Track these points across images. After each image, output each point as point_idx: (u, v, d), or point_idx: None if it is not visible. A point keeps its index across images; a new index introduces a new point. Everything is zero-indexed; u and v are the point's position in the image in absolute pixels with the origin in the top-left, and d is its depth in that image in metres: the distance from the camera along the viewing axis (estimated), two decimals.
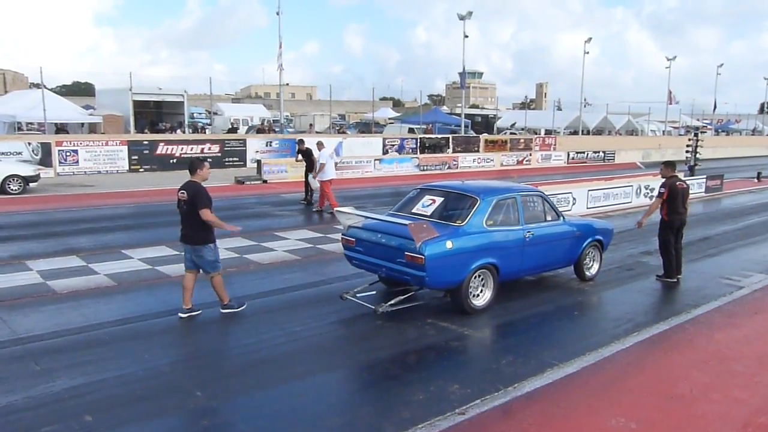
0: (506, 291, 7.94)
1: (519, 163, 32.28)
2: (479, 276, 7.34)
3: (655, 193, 9.59)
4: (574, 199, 15.28)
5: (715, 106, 57.96)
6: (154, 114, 31.01)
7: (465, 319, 7.14)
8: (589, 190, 16.17)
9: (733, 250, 11.79)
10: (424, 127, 37.84)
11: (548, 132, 42.77)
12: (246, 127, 36.43)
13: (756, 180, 25.09)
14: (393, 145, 29.97)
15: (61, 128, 25.49)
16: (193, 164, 7.12)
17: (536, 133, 41.30)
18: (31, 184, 17.20)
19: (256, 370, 5.78)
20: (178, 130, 28.51)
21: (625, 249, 11.32)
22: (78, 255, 9.93)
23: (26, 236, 11.65)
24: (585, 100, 46.78)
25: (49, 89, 27.02)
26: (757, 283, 9.15)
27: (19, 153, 19.97)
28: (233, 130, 33.59)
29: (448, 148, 31.89)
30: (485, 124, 48.02)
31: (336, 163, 15.60)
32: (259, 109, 45.10)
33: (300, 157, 16.80)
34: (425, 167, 27.65)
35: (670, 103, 49.74)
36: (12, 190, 16.68)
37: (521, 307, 7.84)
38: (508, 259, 7.55)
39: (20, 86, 45.16)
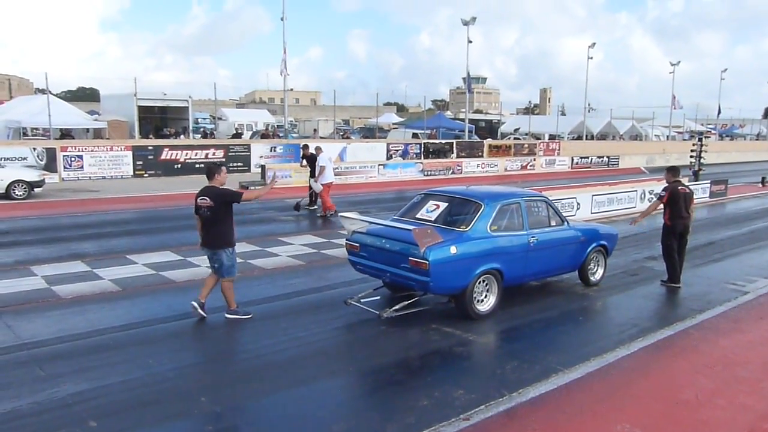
0: (510, 296, 7.93)
1: (523, 168, 32.26)
2: (483, 281, 7.33)
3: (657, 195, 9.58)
4: (578, 204, 15.26)
5: (719, 111, 57.84)
6: (158, 119, 31.14)
7: (469, 324, 7.13)
8: (593, 195, 16.14)
9: (737, 255, 11.75)
10: (428, 132, 37.89)
11: (552, 137, 42.72)
12: (250, 133, 36.52)
13: (760, 185, 25.00)
14: (397, 150, 30.01)
15: (65, 134, 25.61)
16: (210, 170, 7.15)
17: (538, 138, 41.24)
18: (36, 190, 17.28)
19: (260, 376, 5.78)
20: (182, 136, 28.60)
21: (630, 254, 11.29)
22: (83, 260, 9.96)
23: (31, 241, 11.69)
24: (589, 105, 46.89)
25: (54, 95, 27.17)
26: (762, 288, 9.11)
27: (24, 158, 20.09)
28: (237, 135, 33.68)
29: (452, 153, 31.91)
30: (489, 129, 48.05)
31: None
32: (263, 114, 45.17)
33: (304, 162, 16.85)
34: (429, 172, 27.66)
35: (675, 108, 49.68)
36: (17, 195, 16.75)
37: (526, 312, 7.83)
38: (512, 264, 7.54)
39: (25, 92, 45.35)
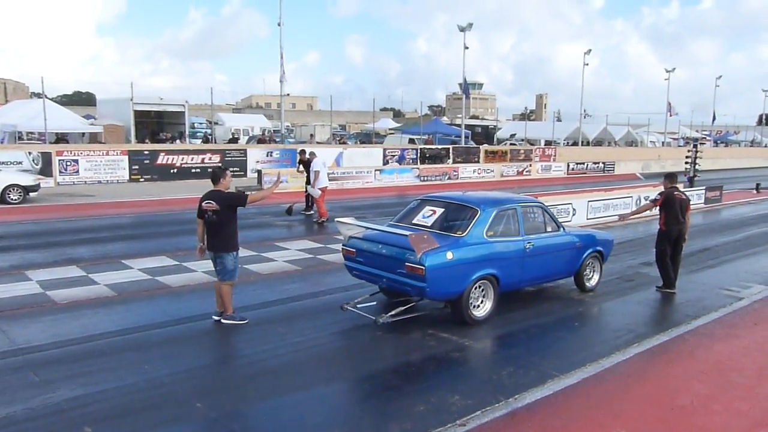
0: (506, 302, 7.94)
1: (519, 173, 32.33)
2: (480, 287, 7.34)
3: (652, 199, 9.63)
4: (574, 209, 15.30)
5: (714, 118, 58.18)
6: (155, 124, 31.09)
7: (465, 329, 7.13)
8: (589, 201, 16.19)
9: (732, 261, 11.80)
10: (425, 137, 37.94)
11: (548, 143, 42.86)
12: (247, 137, 36.52)
13: (755, 191, 25.12)
14: (393, 156, 30.04)
15: (60, 138, 25.53)
16: (215, 174, 7.19)
17: (533, 144, 41.36)
18: (31, 194, 17.21)
19: (256, 381, 5.77)
20: (179, 140, 28.58)
21: (625, 260, 11.32)
22: (78, 265, 9.93)
23: (26, 246, 11.66)
24: (585, 111, 46.96)
25: (50, 99, 27.10)
26: (756, 294, 9.15)
27: (20, 162, 20.02)
28: (234, 140, 33.68)
29: (449, 158, 31.96)
30: (485, 134, 48.12)
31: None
32: (259, 119, 45.19)
33: (301, 167, 16.86)
34: (425, 178, 27.69)
35: (670, 115, 49.91)
36: (12, 199, 16.69)
37: (521, 317, 7.84)
38: (508, 269, 7.55)
39: (21, 96, 45.28)
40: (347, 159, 27.83)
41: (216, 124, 37.03)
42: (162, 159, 23.17)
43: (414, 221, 7.76)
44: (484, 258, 7.27)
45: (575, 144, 44.76)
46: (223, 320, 7.18)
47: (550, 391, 5.50)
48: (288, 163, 25.20)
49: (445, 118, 62.97)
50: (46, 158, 20.63)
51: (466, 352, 6.64)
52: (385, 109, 78.06)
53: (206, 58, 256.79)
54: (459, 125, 39.98)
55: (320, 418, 5.07)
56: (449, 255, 6.91)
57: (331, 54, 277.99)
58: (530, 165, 33.78)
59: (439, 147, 33.61)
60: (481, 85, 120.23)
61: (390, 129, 48.35)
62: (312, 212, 16.13)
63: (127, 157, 22.35)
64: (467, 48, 34.43)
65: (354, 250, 7.67)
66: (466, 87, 36.61)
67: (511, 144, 41.26)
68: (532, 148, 37.28)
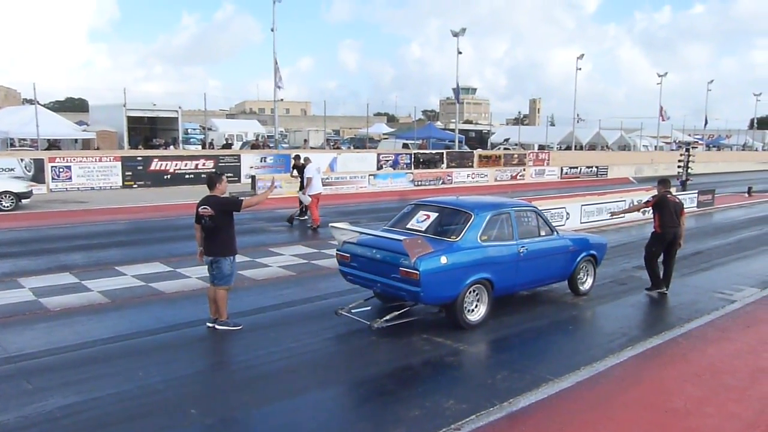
0: (500, 306, 7.95)
1: (513, 178, 32.43)
2: (474, 291, 7.35)
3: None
4: (567, 213, 15.36)
5: (706, 122, 58.51)
6: (148, 130, 31.03)
7: (460, 334, 7.14)
8: (582, 205, 16.25)
9: (725, 265, 11.86)
10: (419, 142, 38.03)
11: (541, 147, 43.02)
12: (240, 143, 36.49)
13: (747, 195, 25.28)
14: (387, 161, 30.08)
15: (53, 144, 25.43)
16: (211, 179, 7.20)
17: (526, 149, 41.48)
18: (23, 201, 17.10)
19: (251, 387, 5.76)
20: (172, 146, 28.52)
21: (619, 263, 11.36)
22: (71, 272, 9.89)
23: (18, 253, 11.60)
24: (578, 115, 47.17)
25: (42, 105, 26.99)
26: (749, 297, 9.20)
27: (12, 169, 19.91)
28: (227, 145, 33.65)
29: (443, 163, 32.02)
30: (479, 139, 48.30)
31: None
32: (253, 124, 45.21)
33: (295, 172, 16.85)
34: (419, 182, 27.73)
35: (663, 119, 50.16)
36: (4, 206, 16.59)
37: (516, 321, 7.85)
38: (502, 274, 7.57)
39: (13, 102, 44.99)
40: (341, 164, 27.85)
41: (209, 129, 37.02)
42: (155, 165, 23.12)
43: (408, 226, 7.77)
44: (479, 262, 7.29)
45: (568, 148, 44.93)
46: (217, 326, 7.16)
47: (545, 395, 5.51)
48: (282, 169, 25.18)
49: (438, 123, 63.09)
50: (39, 165, 20.54)
51: (461, 356, 6.65)
52: (379, 114, 78.13)
53: (199, 63, 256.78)
54: (453, 130, 40.13)
55: (315, 423, 5.07)
56: (443, 259, 6.93)
57: (324, 59, 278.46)
58: (524, 169, 33.90)
59: (433, 152, 33.68)
60: (474, 90, 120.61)
61: (384, 134, 48.39)
62: (305, 218, 16.13)
63: (120, 163, 22.28)
64: (461, 53, 34.55)
65: (348, 255, 7.67)
66: (458, 92, 36.68)
67: (504, 148, 41.39)
68: (526, 153, 37.38)
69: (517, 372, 6.13)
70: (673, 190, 9.85)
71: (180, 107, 29.51)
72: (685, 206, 9.68)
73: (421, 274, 6.68)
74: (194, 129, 40.62)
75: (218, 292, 7.11)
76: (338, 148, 36.24)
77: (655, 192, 9.64)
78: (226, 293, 7.18)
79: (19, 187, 17.31)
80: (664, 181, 9.58)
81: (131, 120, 27.20)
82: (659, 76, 48.89)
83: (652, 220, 9.38)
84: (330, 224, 8.25)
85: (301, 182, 16.05)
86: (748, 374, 6.19)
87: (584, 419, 5.12)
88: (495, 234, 7.63)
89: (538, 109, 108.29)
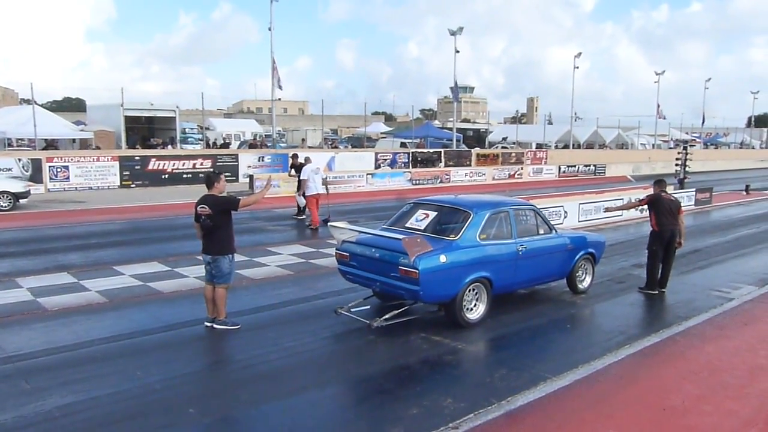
0: (499, 304, 7.96)
1: (511, 176, 32.46)
2: (473, 290, 7.36)
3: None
4: (565, 212, 15.37)
5: (703, 120, 58.61)
6: (145, 129, 30.99)
7: (458, 333, 7.15)
8: (580, 204, 16.27)
9: (722, 263, 11.88)
10: (416, 141, 38.01)
11: (539, 146, 43.04)
12: (238, 142, 36.46)
13: (744, 192, 25.32)
14: (385, 160, 30.08)
15: (50, 144, 25.38)
16: (209, 178, 7.22)
17: (524, 147, 41.51)
18: (21, 201, 17.09)
19: (249, 386, 5.75)
20: (170, 146, 28.49)
21: (617, 262, 11.38)
22: (69, 272, 9.87)
23: (16, 253, 11.58)
24: (575, 114, 47.19)
25: (39, 105, 26.93)
26: (746, 295, 9.22)
27: (9, 169, 19.89)
28: (225, 145, 33.63)
29: (440, 162, 32.03)
30: (477, 138, 48.27)
31: (325, 179, 15.51)
32: (251, 124, 45.14)
33: (293, 171, 16.84)
34: (417, 181, 27.74)
35: (660, 118, 50.22)
36: (2, 206, 16.57)
37: (514, 320, 7.86)
38: (501, 272, 7.58)
39: (10, 102, 44.91)
40: (339, 163, 27.84)
41: (207, 129, 36.96)
42: (153, 165, 23.10)
43: (407, 225, 7.78)
44: (477, 261, 7.30)
45: (566, 147, 44.98)
46: (215, 325, 7.16)
47: (543, 393, 5.52)
48: (280, 168, 25.17)
49: (436, 122, 63.14)
50: (37, 165, 20.51)
51: (459, 355, 6.65)
52: (376, 113, 77.99)
53: (197, 63, 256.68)
54: (450, 129, 40.11)
55: (313, 422, 5.07)
56: (442, 258, 6.93)
57: (322, 58, 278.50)
58: (522, 168, 33.93)
59: (431, 150, 33.68)
60: (472, 89, 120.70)
61: (382, 133, 48.36)
62: (304, 217, 16.12)
63: (117, 162, 22.26)
64: (458, 52, 34.56)
65: (347, 254, 7.67)
66: (456, 91, 36.69)
67: (502, 147, 41.41)
68: (524, 151, 37.41)
69: (516, 370, 6.14)
70: (671, 188, 9.86)
71: (177, 107, 29.49)
72: (682, 204, 9.70)
73: (420, 272, 6.68)
74: (192, 128, 40.57)
75: (217, 291, 7.12)
76: (336, 147, 36.24)
77: (651, 191, 9.67)
78: (225, 292, 7.19)
79: (17, 187, 17.30)
80: (659, 182, 9.63)
81: (129, 120, 27.17)
82: (657, 74, 49.02)
83: (649, 218, 9.40)
84: (329, 223, 8.24)
85: (299, 182, 16.04)
86: (746, 372, 6.20)
87: (582, 417, 5.13)
88: (494, 233, 7.63)
89: (536, 108, 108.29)
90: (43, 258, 11.06)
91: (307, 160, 15.71)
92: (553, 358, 6.58)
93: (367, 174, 26.28)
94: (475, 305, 7.44)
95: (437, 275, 6.87)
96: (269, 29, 27.82)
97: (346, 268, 7.78)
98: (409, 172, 28.43)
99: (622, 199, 17.51)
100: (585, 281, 9.13)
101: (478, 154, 34.38)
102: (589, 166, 36.59)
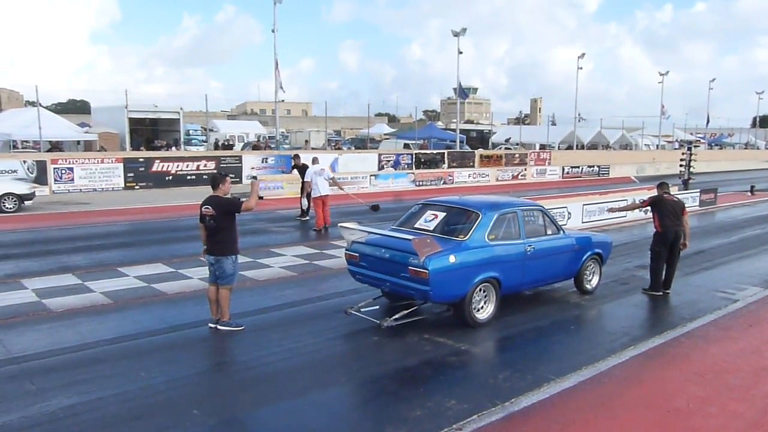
0: (503, 305, 7.93)
1: (514, 178, 32.42)
2: (482, 290, 7.37)
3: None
4: (569, 213, 15.34)
5: (708, 121, 58.44)
6: (149, 131, 31.05)
7: (462, 334, 7.14)
8: (584, 205, 16.23)
9: (727, 264, 11.84)
10: (420, 142, 37.99)
11: (543, 147, 42.93)
12: (242, 144, 36.51)
13: (749, 193, 25.23)
14: (389, 161, 30.08)
15: (54, 146, 25.46)
16: (215, 179, 7.26)
17: (528, 148, 41.46)
18: (26, 202, 17.16)
19: (252, 388, 5.76)
20: (174, 148, 28.56)
21: (621, 263, 11.35)
22: (73, 273, 9.90)
23: (21, 255, 11.62)
24: (579, 115, 47.18)
25: (44, 107, 27.02)
26: (751, 296, 9.18)
27: (15, 171, 19.95)
28: (228, 146, 33.69)
29: (444, 163, 32.01)
30: (480, 139, 48.26)
31: (330, 179, 15.47)
32: (254, 125, 45.18)
33: (295, 171, 16.85)
34: (421, 183, 27.73)
35: (664, 118, 50.11)
36: (7, 208, 16.64)
37: (518, 321, 7.85)
38: (509, 272, 7.58)
39: (15, 104, 45.10)
40: (342, 165, 27.83)
41: (211, 130, 37.04)
42: (157, 166, 23.14)
43: (416, 225, 7.79)
44: (486, 261, 7.30)
45: (570, 148, 44.87)
46: (219, 327, 7.17)
47: (547, 395, 5.51)
48: (283, 169, 25.20)
49: (440, 123, 63.05)
50: (41, 166, 20.57)
51: (463, 356, 6.64)
52: (380, 115, 78.10)
53: (201, 65, 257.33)
54: (454, 130, 40.10)
55: (317, 423, 5.07)
56: (452, 258, 6.94)
57: (325, 60, 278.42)
58: (525, 169, 33.89)
59: (435, 152, 33.66)
60: (475, 90, 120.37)
61: (385, 134, 48.36)
62: (308, 218, 16.12)
63: (122, 164, 22.30)
64: (461, 53, 34.51)
65: (357, 254, 7.68)
66: (460, 92, 36.68)
67: (506, 148, 41.36)
68: (527, 152, 37.36)
69: (519, 372, 6.13)
70: (675, 189, 9.84)
71: (181, 108, 29.55)
72: (687, 205, 9.67)
73: (430, 273, 6.69)
74: (196, 130, 40.68)
75: (221, 292, 7.14)
76: (339, 148, 36.26)
77: (655, 192, 9.66)
78: (229, 293, 7.20)
79: (22, 188, 17.36)
80: (662, 184, 9.64)
81: (133, 121, 27.24)
82: (661, 74, 48.99)
83: (652, 220, 9.38)
84: (338, 224, 8.24)
85: (302, 184, 16.03)
86: (751, 373, 6.18)
87: (586, 419, 5.12)
88: (502, 233, 7.64)
89: (540, 109, 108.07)
90: (48, 259, 11.10)
91: (315, 160, 15.64)
92: (556, 359, 6.56)
93: (371, 175, 26.28)
94: (483, 305, 7.44)
95: (447, 275, 6.88)
96: (273, 31, 27.83)
97: (355, 269, 7.79)
98: (413, 173, 28.42)
99: (626, 200, 17.46)
100: (592, 281, 9.12)
101: (481, 155, 34.36)
102: (593, 167, 36.52)
